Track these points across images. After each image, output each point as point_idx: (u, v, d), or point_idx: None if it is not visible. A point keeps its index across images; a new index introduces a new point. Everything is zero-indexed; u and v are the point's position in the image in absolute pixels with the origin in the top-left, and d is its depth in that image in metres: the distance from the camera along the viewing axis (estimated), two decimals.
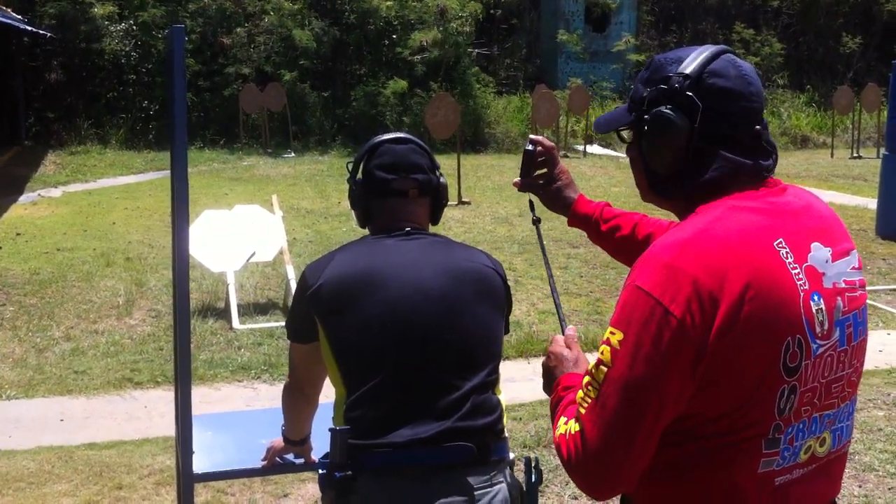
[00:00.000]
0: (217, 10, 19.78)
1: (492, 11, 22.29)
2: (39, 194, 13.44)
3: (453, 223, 11.05)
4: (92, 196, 13.33)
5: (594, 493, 1.53)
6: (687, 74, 1.57)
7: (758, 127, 1.58)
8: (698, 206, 1.56)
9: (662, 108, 1.57)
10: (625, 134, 1.71)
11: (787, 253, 1.49)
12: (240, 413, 4.63)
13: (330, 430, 2.13)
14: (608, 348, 1.49)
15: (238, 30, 19.73)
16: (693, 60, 1.58)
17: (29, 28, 16.80)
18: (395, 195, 2.33)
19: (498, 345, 2.29)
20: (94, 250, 9.37)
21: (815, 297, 1.50)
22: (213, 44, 19.61)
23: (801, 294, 1.48)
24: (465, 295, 2.22)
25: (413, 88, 19.73)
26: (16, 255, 9.17)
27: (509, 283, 2.41)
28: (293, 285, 7.06)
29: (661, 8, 25.44)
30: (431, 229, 2.47)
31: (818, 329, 1.49)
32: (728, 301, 1.42)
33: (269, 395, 5.61)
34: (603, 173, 15.96)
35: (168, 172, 14.34)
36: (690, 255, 1.46)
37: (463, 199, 12.63)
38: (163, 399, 5.49)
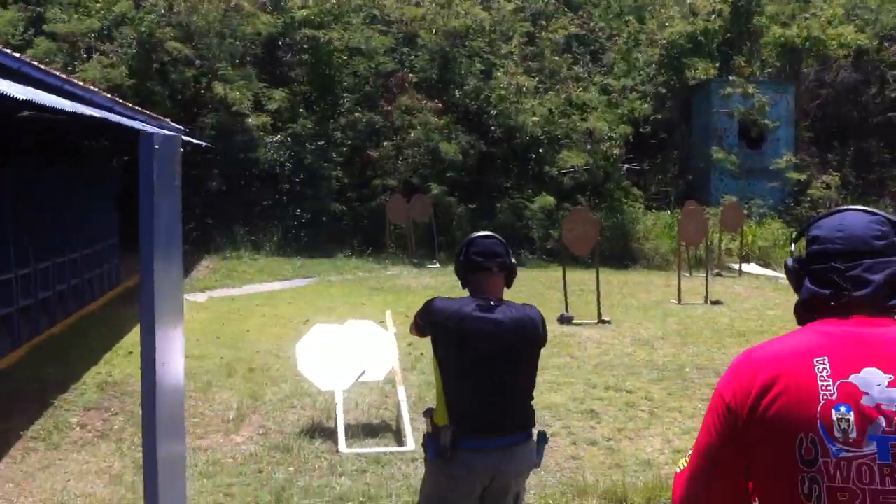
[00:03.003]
0: (366, 123, 20.24)
1: (641, 129, 21.89)
2: (186, 299, 13.71)
3: (589, 343, 10.47)
4: (234, 302, 13.51)
5: None
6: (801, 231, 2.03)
7: (835, 264, 1.85)
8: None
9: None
10: None
11: (823, 368, 1.74)
12: None
13: (442, 427, 3.40)
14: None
15: (385, 143, 20.08)
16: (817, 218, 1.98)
17: (191, 140, 17.60)
18: (483, 270, 3.54)
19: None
20: (220, 359, 9.31)
21: (842, 408, 1.70)
22: (362, 156, 20.02)
23: (822, 402, 1.72)
24: (524, 343, 3.47)
25: (561, 202, 19.46)
26: None
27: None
28: (404, 408, 6.64)
29: (822, 125, 24.37)
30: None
31: (837, 434, 1.69)
32: (758, 395, 1.76)
33: None
34: (759, 294, 15.04)
35: (312, 280, 14.22)
36: (749, 358, 1.84)
37: (603, 318, 12.01)
38: None
